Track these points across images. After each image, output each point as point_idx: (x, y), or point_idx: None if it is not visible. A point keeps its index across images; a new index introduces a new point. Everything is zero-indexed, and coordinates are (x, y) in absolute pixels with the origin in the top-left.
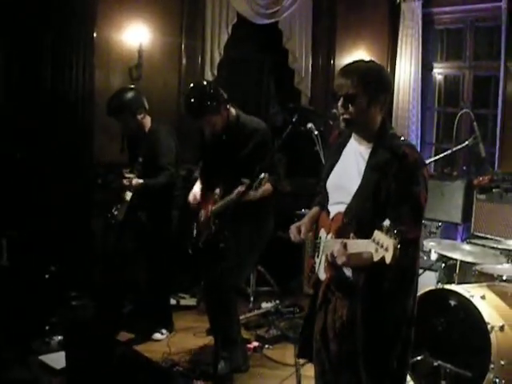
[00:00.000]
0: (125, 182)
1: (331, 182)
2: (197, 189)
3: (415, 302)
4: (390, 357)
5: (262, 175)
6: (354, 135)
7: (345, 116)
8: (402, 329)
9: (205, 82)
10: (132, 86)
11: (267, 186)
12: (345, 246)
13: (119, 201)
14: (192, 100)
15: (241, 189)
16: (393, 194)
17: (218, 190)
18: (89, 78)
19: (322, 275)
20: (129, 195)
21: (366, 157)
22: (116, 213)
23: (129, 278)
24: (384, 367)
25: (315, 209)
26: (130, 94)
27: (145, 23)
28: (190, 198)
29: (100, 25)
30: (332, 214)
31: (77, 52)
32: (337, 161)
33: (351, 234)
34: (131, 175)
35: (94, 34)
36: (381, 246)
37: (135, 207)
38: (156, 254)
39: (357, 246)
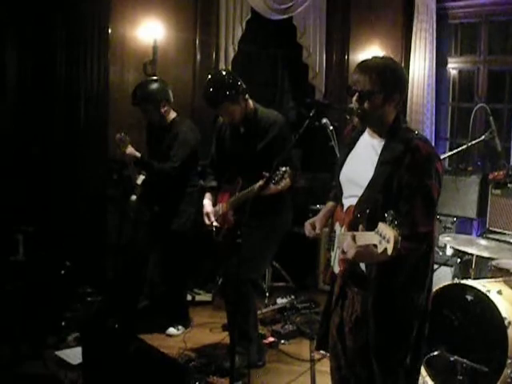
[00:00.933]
0: (117, 136)
1: (344, 176)
2: (208, 207)
3: (429, 296)
4: (403, 351)
5: (284, 169)
6: (367, 129)
7: (359, 112)
8: (415, 323)
9: (224, 72)
10: (157, 78)
11: (287, 181)
12: (354, 238)
13: (132, 187)
14: (211, 89)
15: (261, 182)
16: (405, 186)
17: (236, 184)
18: (103, 74)
19: (337, 268)
20: (140, 179)
21: (379, 150)
22: (133, 198)
23: (144, 273)
24: (396, 362)
25: (330, 203)
26: (155, 85)
27: (159, 19)
28: (205, 219)
29: (114, 21)
30: (345, 207)
31: (91, 48)
32: (350, 154)
33: (360, 226)
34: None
35: (109, 31)
36: (383, 237)
37: (150, 201)
38: (169, 248)
39: (364, 238)
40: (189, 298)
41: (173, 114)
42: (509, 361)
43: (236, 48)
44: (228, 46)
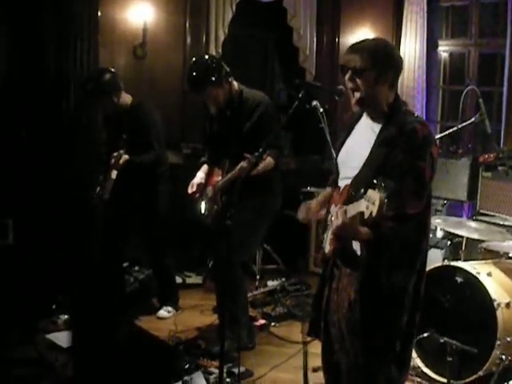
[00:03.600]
0: (112, 161)
1: (341, 157)
2: (198, 179)
3: (421, 282)
4: (390, 336)
5: (261, 149)
6: (366, 112)
7: (355, 94)
8: (403, 308)
9: (206, 56)
10: (104, 68)
11: (268, 160)
12: (345, 211)
13: (104, 179)
14: (194, 73)
15: (243, 164)
16: (397, 166)
17: (223, 166)
18: (93, 57)
19: (327, 248)
20: (114, 173)
21: (377, 131)
22: (101, 192)
23: (127, 255)
24: (384, 347)
25: (328, 190)
26: (106, 76)
27: (149, 1)
28: (189, 188)
29: (104, 3)
30: (341, 189)
31: (81, 31)
32: (348, 137)
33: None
34: (119, 152)
35: (99, 13)
36: (370, 202)
37: (122, 184)
38: (147, 230)
39: (353, 207)
40: (180, 280)
41: (128, 98)
42: (498, 342)
43: (226, 31)
44: (218, 29)
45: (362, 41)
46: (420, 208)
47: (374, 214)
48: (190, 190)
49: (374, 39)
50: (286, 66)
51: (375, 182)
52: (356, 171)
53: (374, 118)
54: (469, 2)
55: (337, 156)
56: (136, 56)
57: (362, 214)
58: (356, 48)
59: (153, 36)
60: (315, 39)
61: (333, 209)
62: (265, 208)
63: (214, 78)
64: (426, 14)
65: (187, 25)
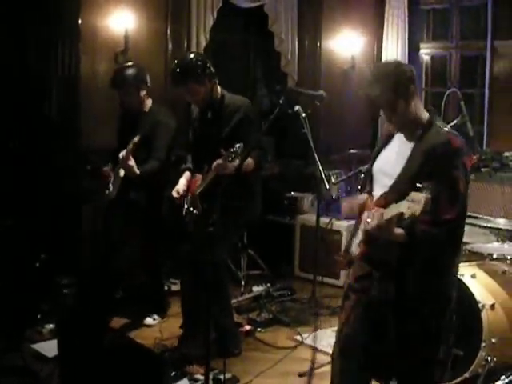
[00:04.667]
0: (120, 155)
1: (377, 167)
2: (181, 184)
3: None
4: (428, 344)
5: (238, 145)
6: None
7: (393, 122)
8: (445, 312)
9: (193, 54)
10: (135, 63)
11: (249, 161)
12: (381, 214)
13: (114, 176)
14: (177, 67)
15: (219, 161)
16: (432, 176)
17: (204, 171)
18: (75, 65)
19: (356, 250)
20: (122, 172)
21: (411, 145)
22: (111, 189)
23: (119, 262)
24: (424, 358)
25: (364, 195)
26: (133, 69)
27: (130, 9)
28: (173, 192)
29: (85, 11)
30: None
31: (62, 38)
32: (384, 147)
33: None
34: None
35: (80, 21)
36: (413, 201)
37: (126, 187)
38: (147, 236)
39: (391, 210)
40: (165, 288)
41: (150, 102)
42: (483, 344)
43: (208, 37)
44: (200, 35)
45: (377, 72)
46: (454, 215)
47: (417, 213)
48: (175, 194)
49: (377, 69)
50: (268, 71)
51: (420, 185)
52: (392, 181)
53: (406, 135)
54: (449, 5)
55: (372, 165)
56: (118, 63)
57: (401, 214)
58: (377, 84)
59: (134, 43)
60: (297, 44)
61: (365, 215)
62: (243, 211)
63: (196, 74)
64: (407, 18)
65: (168, 31)
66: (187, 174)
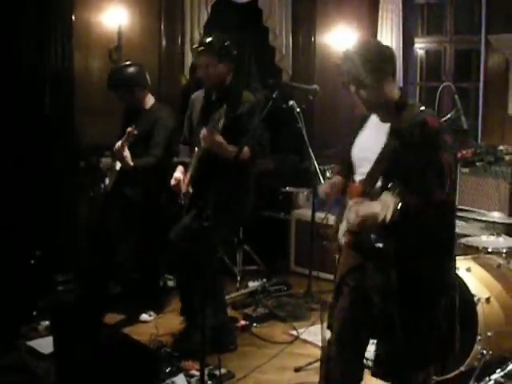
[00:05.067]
0: (115, 147)
1: (356, 154)
2: (178, 173)
3: (454, 267)
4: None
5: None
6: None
7: (358, 101)
8: (442, 294)
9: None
10: (133, 62)
11: (245, 149)
12: (357, 211)
13: (110, 170)
14: (211, 37)
15: (204, 131)
16: (416, 161)
17: None
18: (68, 61)
19: (342, 239)
20: (119, 165)
21: (386, 127)
22: (107, 182)
23: (115, 257)
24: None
25: (337, 177)
26: (131, 69)
27: (123, 4)
28: (172, 181)
29: (78, 7)
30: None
31: (55, 35)
32: (359, 133)
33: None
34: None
35: (73, 17)
36: (386, 206)
37: (122, 182)
38: (142, 232)
39: (367, 207)
40: (160, 283)
41: (151, 100)
42: (479, 337)
43: (202, 32)
44: (193, 31)
45: (347, 49)
46: (444, 197)
47: (386, 219)
48: (173, 182)
49: (355, 47)
50: (262, 66)
51: (390, 186)
52: (369, 168)
53: (381, 116)
54: None
55: (350, 152)
56: (111, 59)
57: (376, 214)
58: (341, 60)
59: (128, 39)
60: (291, 39)
61: (348, 201)
62: (236, 206)
63: (221, 51)
64: (401, 12)
65: (162, 27)
66: (181, 168)
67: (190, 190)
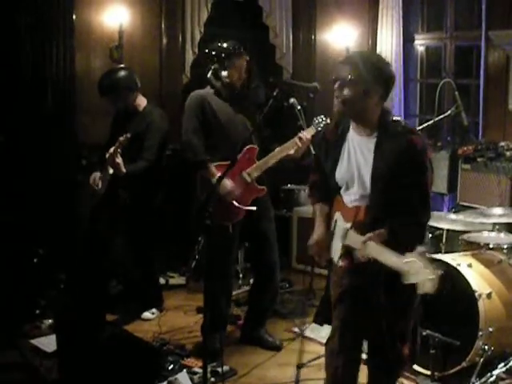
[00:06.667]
0: (107, 154)
1: (341, 176)
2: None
3: None
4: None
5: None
6: (352, 127)
7: (341, 103)
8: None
9: None
10: (121, 66)
11: None
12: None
13: (103, 173)
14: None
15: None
16: (404, 183)
17: (245, 153)
18: (69, 60)
19: (338, 261)
20: (111, 170)
21: (372, 147)
22: (100, 185)
23: (112, 257)
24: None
25: (323, 207)
26: (121, 74)
27: (124, 4)
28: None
29: (79, 6)
30: (349, 204)
31: (56, 34)
32: (341, 154)
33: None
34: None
35: (74, 16)
36: (415, 272)
37: (115, 184)
38: (136, 232)
39: (384, 257)
40: (162, 281)
41: (143, 101)
42: (480, 333)
43: (202, 30)
44: (194, 29)
45: (355, 51)
46: (426, 218)
47: (431, 291)
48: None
49: (367, 53)
50: (262, 64)
51: (422, 251)
52: (363, 191)
53: (362, 132)
54: None
55: (332, 175)
56: (112, 58)
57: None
58: (347, 59)
59: (129, 38)
60: (291, 36)
61: (338, 217)
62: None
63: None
64: (401, 9)
65: (163, 26)
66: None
67: None
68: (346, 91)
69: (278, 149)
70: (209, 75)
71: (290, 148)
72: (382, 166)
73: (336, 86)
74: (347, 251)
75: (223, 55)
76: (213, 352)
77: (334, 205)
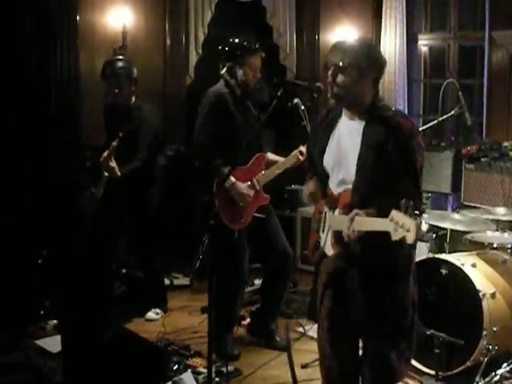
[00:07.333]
0: (101, 159)
1: (329, 162)
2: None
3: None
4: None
5: None
6: (344, 112)
7: (334, 89)
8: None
9: None
10: (124, 57)
11: None
12: (352, 219)
13: (99, 177)
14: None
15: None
16: (392, 166)
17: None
18: (73, 61)
19: (329, 251)
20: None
21: (361, 129)
22: (95, 190)
23: (110, 257)
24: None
25: (311, 183)
26: (125, 63)
27: (128, 4)
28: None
29: (83, 7)
30: (336, 191)
31: (60, 35)
32: (329, 140)
33: (360, 211)
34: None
35: (77, 17)
36: (400, 226)
37: (113, 185)
38: (136, 232)
39: (371, 224)
40: (167, 282)
41: (133, 98)
42: (484, 332)
43: (206, 31)
44: (198, 30)
45: (347, 39)
46: (419, 204)
47: (410, 241)
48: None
49: (358, 39)
50: (266, 65)
51: (402, 204)
52: (348, 174)
53: (353, 117)
54: None
55: (321, 159)
56: None
57: (387, 233)
58: (340, 46)
59: (132, 39)
60: (295, 37)
61: (327, 209)
62: None
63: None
64: (405, 9)
65: (166, 27)
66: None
67: None
68: (340, 77)
69: (281, 161)
70: (223, 71)
71: (291, 161)
72: (369, 147)
73: (330, 71)
74: (337, 238)
75: (238, 52)
76: (230, 357)
77: (324, 200)
